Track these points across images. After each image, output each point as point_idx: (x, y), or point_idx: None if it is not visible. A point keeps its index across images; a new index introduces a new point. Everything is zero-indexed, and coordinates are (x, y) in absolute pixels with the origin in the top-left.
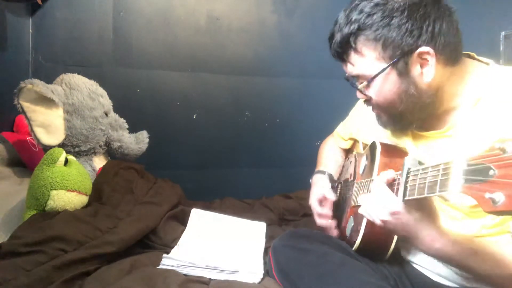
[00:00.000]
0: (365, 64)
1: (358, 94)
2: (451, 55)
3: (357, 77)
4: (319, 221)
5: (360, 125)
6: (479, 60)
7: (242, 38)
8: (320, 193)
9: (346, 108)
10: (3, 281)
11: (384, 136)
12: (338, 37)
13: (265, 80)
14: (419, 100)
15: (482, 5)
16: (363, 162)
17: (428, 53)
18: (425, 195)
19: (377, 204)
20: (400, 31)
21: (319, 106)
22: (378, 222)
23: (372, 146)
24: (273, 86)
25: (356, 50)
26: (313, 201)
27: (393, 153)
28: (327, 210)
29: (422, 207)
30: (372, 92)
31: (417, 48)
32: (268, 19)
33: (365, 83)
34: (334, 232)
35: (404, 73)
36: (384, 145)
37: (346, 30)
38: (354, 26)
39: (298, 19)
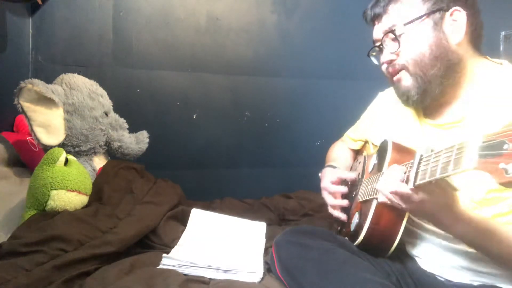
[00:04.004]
0: (403, 11)
1: (384, 56)
2: (476, 32)
3: (387, 35)
4: (332, 201)
5: (372, 126)
6: (493, 61)
7: (242, 38)
8: (335, 175)
9: (346, 108)
10: (3, 281)
11: (395, 134)
12: None
13: (265, 80)
14: (447, 57)
15: (482, 5)
16: (373, 161)
17: (460, 12)
18: (437, 176)
19: (389, 186)
20: None
21: (319, 106)
22: (388, 202)
23: (383, 145)
24: (273, 86)
25: (396, 1)
26: (326, 183)
27: (404, 151)
28: (341, 188)
29: (437, 190)
30: (403, 41)
31: (453, 5)
32: (268, 19)
33: (401, 27)
34: (342, 216)
35: (438, 25)
36: (395, 144)
37: None
38: None
39: (298, 19)
